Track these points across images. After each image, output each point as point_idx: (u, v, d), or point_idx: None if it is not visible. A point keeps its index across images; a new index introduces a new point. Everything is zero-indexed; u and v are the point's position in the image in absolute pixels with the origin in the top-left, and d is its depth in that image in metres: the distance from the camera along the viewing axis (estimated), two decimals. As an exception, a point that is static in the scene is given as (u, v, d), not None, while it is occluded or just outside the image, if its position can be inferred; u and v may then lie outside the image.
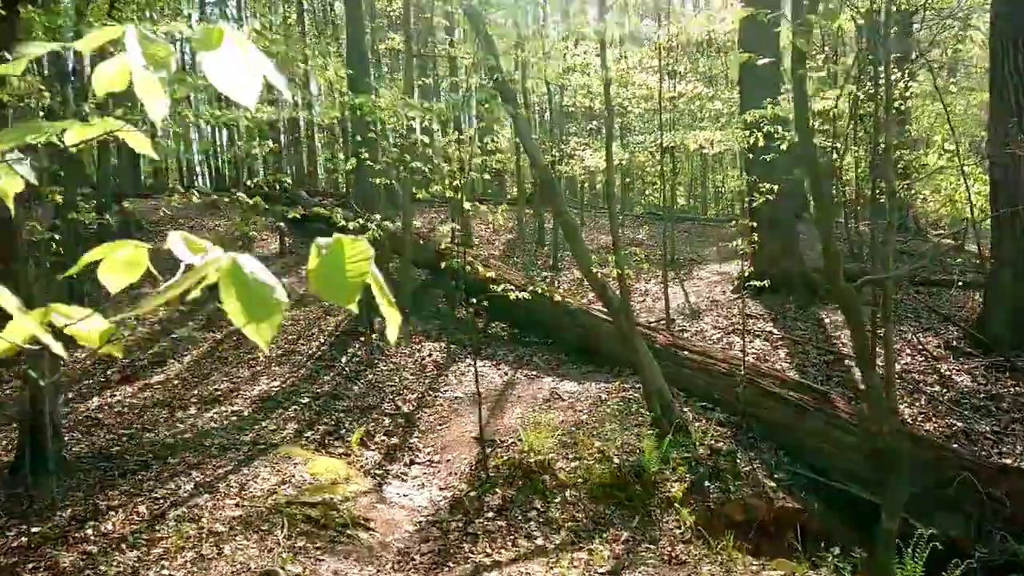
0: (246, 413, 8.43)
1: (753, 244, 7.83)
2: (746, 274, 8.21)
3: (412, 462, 7.18)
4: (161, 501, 5.67)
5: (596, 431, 7.09)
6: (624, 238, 18.52)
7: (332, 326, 11.78)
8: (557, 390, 8.52)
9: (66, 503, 5.59)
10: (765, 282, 7.95)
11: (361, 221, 8.57)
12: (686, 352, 8.50)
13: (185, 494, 5.86)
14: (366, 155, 9.07)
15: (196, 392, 9.22)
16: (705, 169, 30.28)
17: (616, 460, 6.47)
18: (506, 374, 9.43)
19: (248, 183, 16.06)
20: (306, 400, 8.73)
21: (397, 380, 9.45)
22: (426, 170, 8.60)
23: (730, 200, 35.16)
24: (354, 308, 1.07)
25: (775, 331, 10.78)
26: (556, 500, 6.00)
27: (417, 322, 11.85)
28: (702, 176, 30.09)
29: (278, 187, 14.70)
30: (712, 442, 6.99)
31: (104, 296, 13.60)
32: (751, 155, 10.46)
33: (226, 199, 12.95)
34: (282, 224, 18.23)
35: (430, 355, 10.36)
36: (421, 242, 12.96)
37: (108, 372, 10.19)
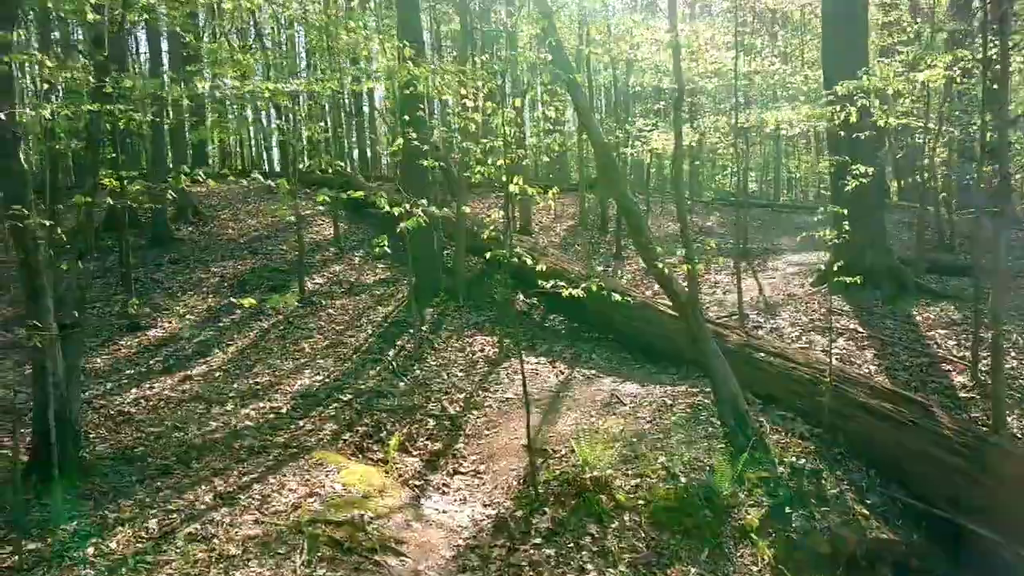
0: (284, 410, 7.92)
1: (843, 234, 6.90)
2: (834, 266, 7.27)
3: (456, 471, 6.54)
4: (175, 515, 5.14)
5: (660, 443, 6.31)
6: (692, 225, 17.53)
7: (382, 316, 11.24)
8: (617, 393, 7.75)
9: (73, 514, 5.12)
10: (856, 278, 7.00)
11: (408, 207, 7.99)
12: (762, 353, 7.63)
13: (203, 506, 5.32)
14: (414, 135, 8.42)
15: (236, 386, 8.76)
16: (777, 154, 28.88)
17: (683, 479, 5.69)
18: (562, 373, 8.70)
19: (300, 167, 15.67)
20: (348, 397, 8.18)
21: (445, 377, 8.82)
22: (478, 150, 7.90)
23: (804, 186, 33.65)
24: None
25: (860, 329, 9.79)
26: (613, 526, 5.26)
27: (470, 314, 11.21)
28: (774, 161, 28.68)
29: (331, 171, 14.24)
30: (793, 459, 6.14)
31: (150, 282, 13.35)
32: (842, 133, 9.45)
33: (270, 183, 12.52)
34: (342, 211, 17.85)
35: (482, 350, 9.70)
36: (476, 229, 12.31)
37: (151, 362, 9.83)
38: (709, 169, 26.23)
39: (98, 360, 9.97)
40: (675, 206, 7.44)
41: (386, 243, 7.45)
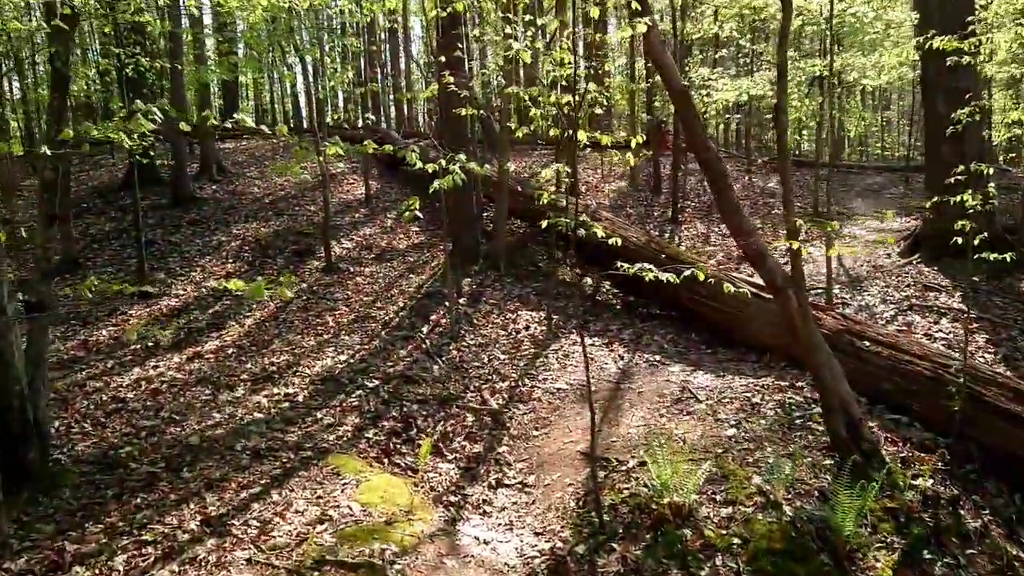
0: (301, 397, 6.87)
1: (943, 198, 5.59)
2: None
3: (499, 483, 5.41)
4: (149, 549, 4.10)
5: (751, 457, 5.12)
6: (755, 188, 16.12)
7: (415, 286, 10.11)
8: (689, 385, 6.55)
9: (25, 544, 4.11)
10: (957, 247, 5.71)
11: (444, 163, 6.82)
12: (866, 341, 6.35)
13: (186, 536, 4.27)
14: (450, 77, 7.18)
15: (249, 366, 7.74)
16: (832, 110, 26.94)
17: (787, 509, 4.50)
18: (621, 358, 7.51)
19: (329, 121, 14.51)
20: (374, 383, 7.09)
21: (485, 360, 7.69)
22: (526, 97, 6.64)
23: (857, 145, 31.72)
24: None
25: (965, 309, 8.42)
26: (703, 574, 4.10)
27: (512, 284, 10.03)
28: (830, 117, 26.74)
29: (361, 126, 13.09)
30: (920, 481, 4.91)
31: (167, 245, 12.36)
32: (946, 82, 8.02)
33: (293, 138, 11.40)
34: (374, 170, 16.69)
35: (527, 328, 8.54)
36: (519, 189, 11.07)
37: (160, 336, 8.84)
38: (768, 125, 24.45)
39: (103, 332, 9.02)
40: (778, 165, 6.11)
41: (417, 206, 6.30)
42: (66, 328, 9.29)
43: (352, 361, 7.81)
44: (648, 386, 6.67)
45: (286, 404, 6.71)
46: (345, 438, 5.99)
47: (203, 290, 10.49)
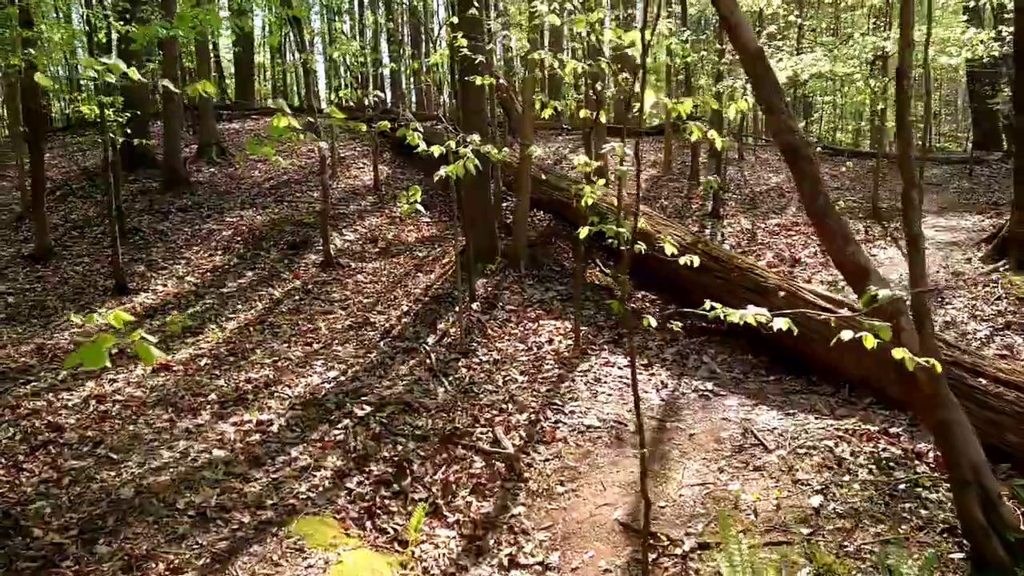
0: (275, 427, 5.65)
1: None
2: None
3: (512, 562, 4.15)
4: None
5: (850, 540, 3.82)
6: (788, 176, 14.65)
7: (421, 288, 8.87)
8: (753, 426, 5.26)
9: None
10: None
11: (453, 145, 5.59)
12: (983, 379, 5.01)
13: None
14: (462, 40, 5.90)
15: (221, 383, 6.54)
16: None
17: (916, 636, 3.21)
18: (664, 385, 6.22)
19: (332, 99, 13.25)
20: (366, 410, 5.86)
21: (500, 381, 6.44)
22: (556, 62, 5.39)
23: (924, 135, 30.08)
24: None
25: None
26: None
27: (534, 287, 8.76)
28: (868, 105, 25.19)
29: (367, 105, 11.80)
30: (1086, 585, 3.59)
31: (152, 234, 11.19)
32: None
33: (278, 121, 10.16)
34: (385, 154, 15.44)
35: (550, 341, 7.27)
36: (543, 177, 9.77)
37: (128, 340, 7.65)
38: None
39: (63, 336, 7.86)
40: (898, 148, 4.78)
41: (418, 198, 5.07)
42: (25, 328, 8.15)
43: (342, 379, 6.59)
44: (701, 425, 5.38)
45: (256, 436, 5.49)
46: (321, 489, 4.77)
47: (185, 285, 9.31)
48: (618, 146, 3.66)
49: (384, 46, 25.15)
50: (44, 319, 8.39)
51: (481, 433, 5.49)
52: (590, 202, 4.47)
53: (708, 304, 2.91)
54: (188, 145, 15.61)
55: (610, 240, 3.46)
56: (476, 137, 5.39)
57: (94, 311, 8.56)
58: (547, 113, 6.35)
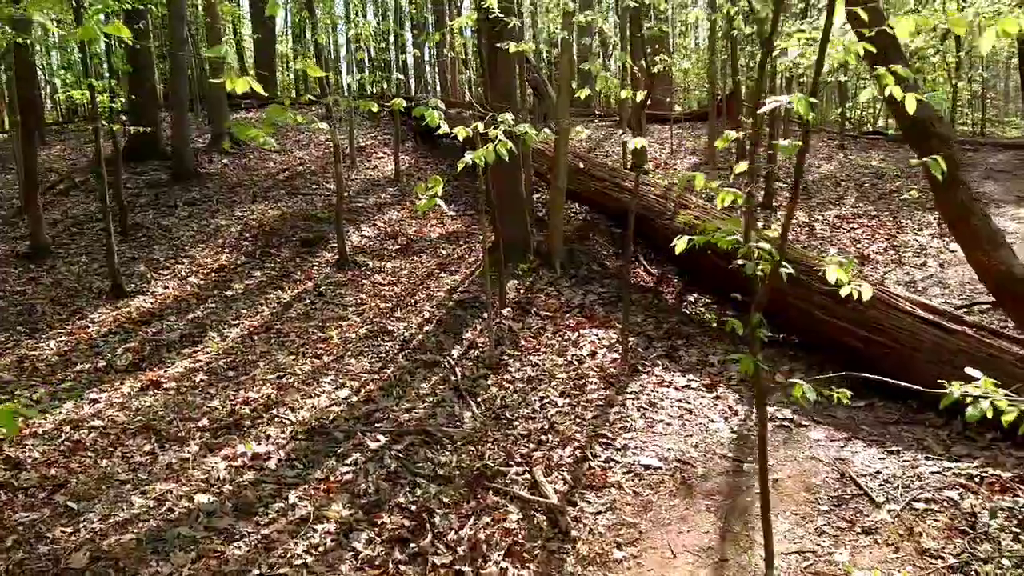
0: (273, 462, 4.77)
1: None
2: None
3: (561, 660, 3.22)
4: None
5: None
6: (856, 167, 13.59)
7: (445, 290, 7.95)
8: (847, 467, 4.28)
9: None
10: None
11: (481, 128, 4.68)
12: None
13: None
14: (493, 5, 4.95)
15: (216, 404, 5.68)
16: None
17: None
18: (733, 412, 5.24)
19: (349, 83, 12.40)
20: (380, 441, 4.96)
21: (537, 404, 5.50)
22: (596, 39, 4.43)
23: (977, 117, 28.88)
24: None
25: None
26: None
27: (573, 289, 7.81)
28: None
29: (383, 91, 10.95)
30: None
31: (156, 230, 10.37)
32: None
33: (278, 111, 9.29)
34: (407, 142, 14.55)
35: (592, 355, 6.31)
36: (581, 165, 8.79)
37: (118, 351, 6.86)
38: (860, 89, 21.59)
39: (50, 345, 7.06)
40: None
41: (439, 191, 4.15)
42: (9, 335, 7.35)
43: (354, 399, 5.70)
44: (786, 468, 4.41)
45: (249, 475, 4.61)
46: (322, 549, 3.87)
47: (188, 287, 8.48)
48: (734, 133, 2.69)
49: (408, 33, 24.22)
50: (31, 326, 7.60)
51: (516, 474, 4.56)
52: (681, 222, 3.48)
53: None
54: (203, 135, 14.84)
55: (739, 264, 2.50)
56: (509, 116, 4.45)
57: (85, 316, 7.77)
58: (583, 94, 5.41)
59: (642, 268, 8.25)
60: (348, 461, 4.77)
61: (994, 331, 4.88)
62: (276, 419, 5.42)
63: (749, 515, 3.95)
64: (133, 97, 11.65)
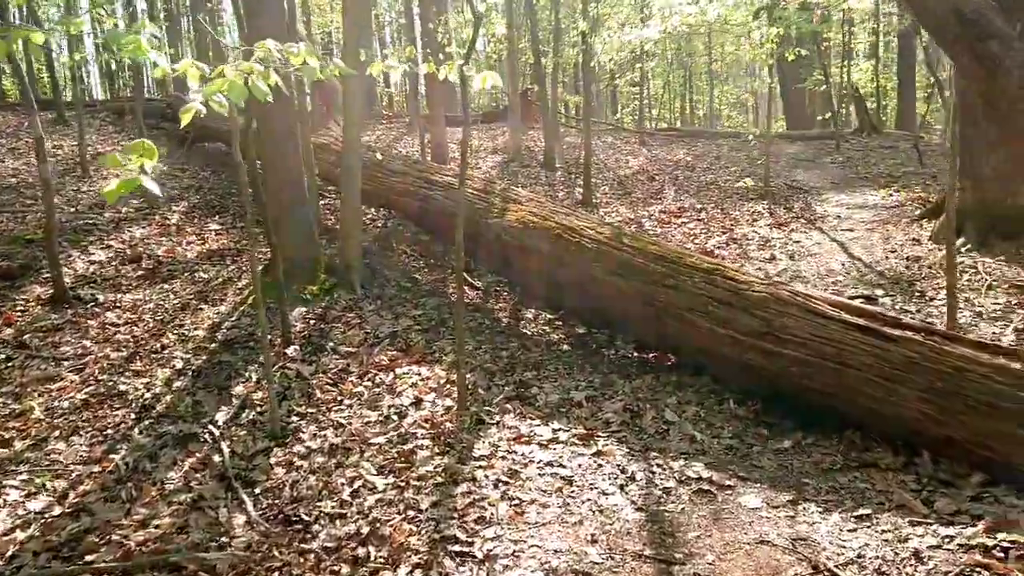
0: None
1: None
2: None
3: None
4: None
5: None
6: (662, 160, 12.95)
7: (206, 327, 5.91)
8: (815, 552, 2.93)
9: None
10: None
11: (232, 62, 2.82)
12: None
13: None
14: None
15: None
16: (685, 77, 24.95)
17: None
18: (626, 474, 3.73)
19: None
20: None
21: (346, 493, 3.70)
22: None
23: (707, 116, 30.49)
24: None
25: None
26: None
27: (380, 315, 6.07)
28: (682, 86, 24.79)
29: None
30: None
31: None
32: None
33: None
34: (162, 148, 12.01)
35: (418, 403, 4.61)
36: (379, 156, 7.05)
37: None
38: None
39: None
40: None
41: (152, 163, 2.27)
42: None
43: (55, 515, 3.60)
44: (728, 561, 2.96)
45: None
46: None
47: None
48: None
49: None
50: None
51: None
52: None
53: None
54: None
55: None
56: (270, 43, 2.70)
57: None
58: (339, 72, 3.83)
59: (469, 281, 6.67)
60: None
61: (945, 334, 3.77)
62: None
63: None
64: None
